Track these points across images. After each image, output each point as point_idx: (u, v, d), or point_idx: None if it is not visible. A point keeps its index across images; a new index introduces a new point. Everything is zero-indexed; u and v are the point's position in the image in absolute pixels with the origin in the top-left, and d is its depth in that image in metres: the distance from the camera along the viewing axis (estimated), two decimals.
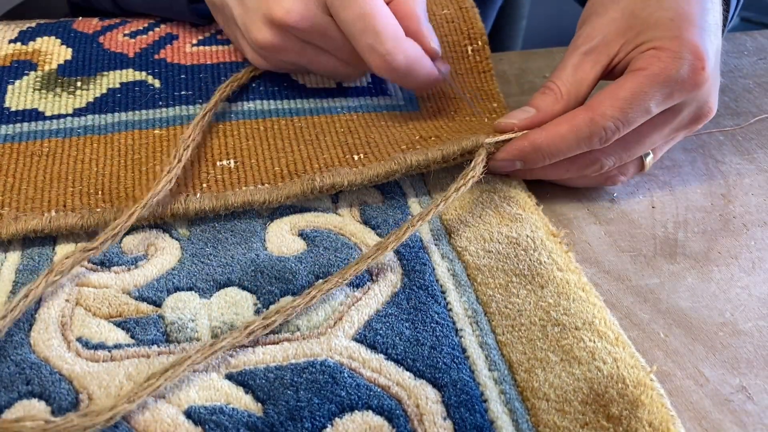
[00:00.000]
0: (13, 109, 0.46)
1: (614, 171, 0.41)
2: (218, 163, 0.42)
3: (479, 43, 0.51)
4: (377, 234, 0.39)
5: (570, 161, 0.40)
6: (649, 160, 0.41)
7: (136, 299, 0.35)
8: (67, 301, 0.34)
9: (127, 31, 0.52)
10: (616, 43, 0.39)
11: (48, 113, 0.45)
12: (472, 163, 0.40)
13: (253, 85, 0.48)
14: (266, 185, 0.40)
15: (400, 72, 0.41)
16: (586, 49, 0.40)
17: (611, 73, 0.40)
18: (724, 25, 0.51)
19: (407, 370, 0.32)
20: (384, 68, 0.41)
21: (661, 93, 0.36)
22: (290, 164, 0.42)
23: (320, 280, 0.35)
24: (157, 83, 0.48)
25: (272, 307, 0.34)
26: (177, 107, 0.46)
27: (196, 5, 0.50)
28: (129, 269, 0.36)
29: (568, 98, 0.39)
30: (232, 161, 0.42)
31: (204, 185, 0.40)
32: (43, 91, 0.47)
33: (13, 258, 0.37)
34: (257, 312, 0.34)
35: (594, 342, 0.33)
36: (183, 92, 0.47)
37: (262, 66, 0.47)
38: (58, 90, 0.47)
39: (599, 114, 0.37)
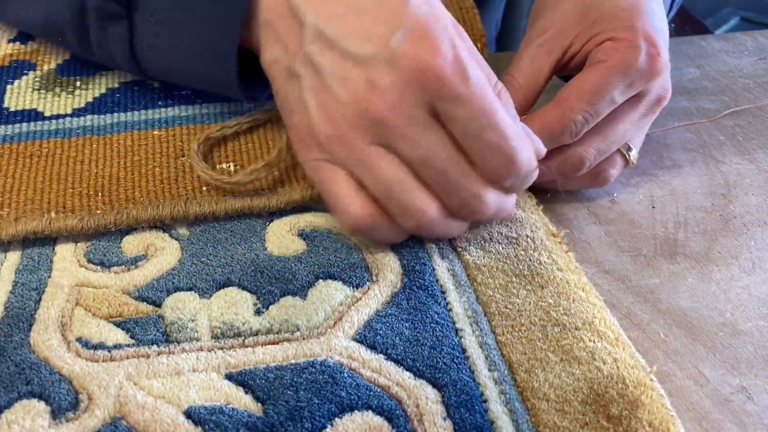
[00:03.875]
0: (12, 109, 0.46)
1: (602, 167, 0.41)
2: (218, 167, 0.42)
3: (478, 45, 0.51)
4: None
5: (550, 161, 0.40)
6: (633, 154, 0.41)
7: (136, 299, 0.35)
8: (67, 301, 0.34)
9: None
10: (570, 34, 0.40)
11: (47, 113, 0.45)
12: None
13: None
14: (266, 190, 0.40)
15: (521, 173, 0.35)
16: (541, 40, 0.41)
17: (566, 65, 0.41)
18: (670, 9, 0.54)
19: (407, 370, 0.32)
20: (507, 170, 0.34)
21: (624, 83, 0.38)
22: (289, 169, 0.41)
23: None
24: (156, 83, 0.48)
25: None
26: (176, 107, 0.46)
27: (250, 89, 0.42)
28: (129, 269, 0.36)
29: (526, 88, 0.40)
30: (231, 165, 0.42)
31: (204, 188, 0.40)
32: (42, 91, 0.47)
33: (13, 258, 0.37)
34: (257, 312, 0.34)
35: (594, 342, 0.33)
36: (183, 92, 0.47)
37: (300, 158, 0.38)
38: (57, 90, 0.47)
39: (567, 108, 0.38)
